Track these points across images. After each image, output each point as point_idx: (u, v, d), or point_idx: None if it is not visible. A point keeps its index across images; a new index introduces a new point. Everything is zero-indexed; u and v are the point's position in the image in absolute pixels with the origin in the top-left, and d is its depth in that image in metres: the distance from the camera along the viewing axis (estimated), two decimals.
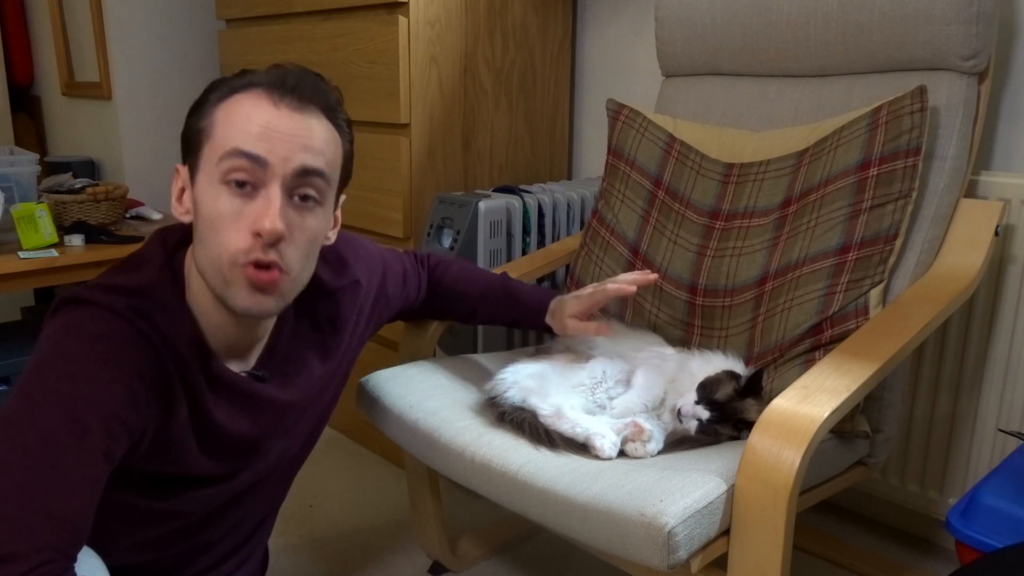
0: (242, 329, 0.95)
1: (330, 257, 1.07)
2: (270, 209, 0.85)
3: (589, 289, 1.23)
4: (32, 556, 0.70)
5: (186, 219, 0.92)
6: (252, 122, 0.86)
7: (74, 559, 0.75)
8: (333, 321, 1.08)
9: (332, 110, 0.92)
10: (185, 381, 0.90)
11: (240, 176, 0.85)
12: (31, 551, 0.71)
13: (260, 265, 0.86)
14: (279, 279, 0.88)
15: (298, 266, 0.90)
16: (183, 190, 0.93)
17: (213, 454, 0.96)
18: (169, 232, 0.97)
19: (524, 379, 1.19)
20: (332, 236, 0.99)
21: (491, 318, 1.33)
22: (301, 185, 0.88)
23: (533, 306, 1.28)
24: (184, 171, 0.92)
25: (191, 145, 0.91)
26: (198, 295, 0.92)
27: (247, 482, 1.04)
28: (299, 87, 0.89)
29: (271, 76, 0.90)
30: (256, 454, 1.02)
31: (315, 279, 1.00)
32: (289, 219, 0.87)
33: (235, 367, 0.96)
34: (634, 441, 1.08)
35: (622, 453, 1.08)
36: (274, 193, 0.85)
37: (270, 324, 1.00)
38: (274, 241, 0.85)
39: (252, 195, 0.86)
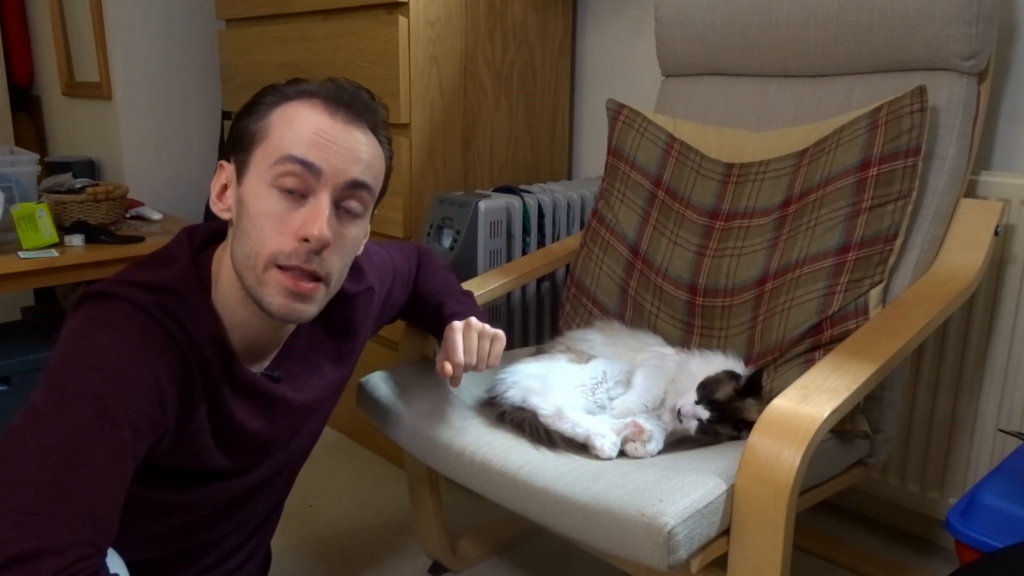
0: (266, 330, 0.96)
1: (354, 263, 1.08)
2: (320, 216, 0.87)
3: (444, 352, 1.14)
4: (72, 551, 0.70)
5: (226, 216, 0.93)
6: (308, 129, 0.88)
7: (105, 555, 0.75)
8: (348, 327, 1.09)
9: (379, 127, 0.95)
10: (206, 379, 0.90)
11: (291, 183, 0.87)
12: (71, 545, 0.70)
13: (302, 273, 0.88)
14: (317, 288, 0.90)
15: (337, 275, 0.93)
16: (225, 187, 0.94)
17: (228, 450, 0.96)
18: (196, 230, 0.98)
19: (524, 379, 1.19)
20: (362, 247, 1.01)
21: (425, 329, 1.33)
22: (348, 197, 0.91)
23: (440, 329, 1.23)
24: (229, 168, 0.94)
25: (241, 144, 0.91)
26: (225, 294, 0.93)
27: (257, 479, 1.04)
28: (353, 102, 0.91)
29: (327, 88, 0.92)
30: (269, 452, 1.03)
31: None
32: (334, 228, 0.89)
33: (251, 368, 0.97)
34: (634, 441, 1.08)
35: (622, 453, 1.08)
36: (324, 201, 0.88)
37: (292, 327, 1.01)
38: (320, 248, 0.87)
39: (301, 201, 0.88)
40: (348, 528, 1.70)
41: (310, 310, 0.91)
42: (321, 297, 0.92)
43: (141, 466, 0.85)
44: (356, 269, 1.10)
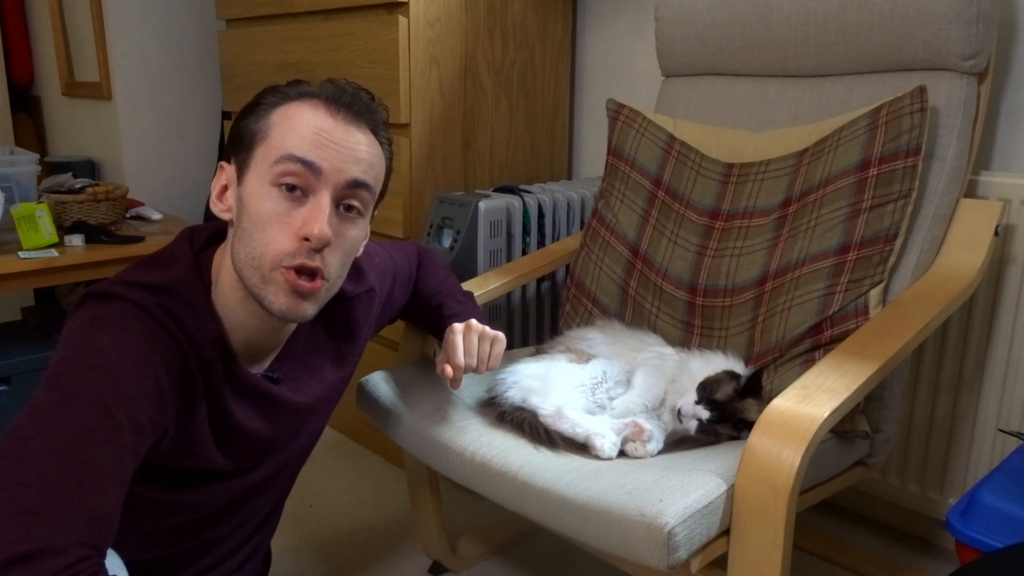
0: (266, 331, 0.96)
1: (354, 264, 1.09)
2: (320, 215, 0.87)
3: (444, 353, 1.13)
4: (73, 551, 0.70)
5: (226, 216, 0.93)
6: (309, 128, 0.88)
7: (105, 556, 0.75)
8: (348, 328, 1.09)
9: (379, 128, 0.95)
10: (207, 380, 0.91)
11: (292, 180, 0.87)
12: (72, 545, 0.71)
13: (303, 271, 0.89)
14: (320, 287, 0.91)
15: (336, 273, 0.93)
16: (226, 187, 0.94)
17: (228, 451, 0.96)
18: (197, 231, 0.98)
19: (524, 379, 1.19)
20: (361, 249, 1.01)
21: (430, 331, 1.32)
22: (348, 196, 0.91)
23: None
24: (229, 169, 0.94)
25: (241, 145, 0.92)
26: (225, 295, 0.93)
27: (258, 479, 1.05)
28: (354, 103, 0.92)
29: (327, 89, 0.92)
30: (270, 452, 1.03)
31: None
32: (334, 227, 0.89)
33: (251, 369, 0.98)
34: (634, 441, 1.08)
35: (622, 453, 1.08)
36: (324, 201, 0.88)
37: (292, 327, 1.01)
38: (321, 247, 0.88)
39: (301, 200, 0.88)
40: (348, 528, 1.70)
41: (311, 309, 0.92)
42: (321, 295, 0.92)
43: (142, 466, 0.85)
44: (357, 270, 1.10)
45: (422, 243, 1.70)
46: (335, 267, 0.92)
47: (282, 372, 1.01)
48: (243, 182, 0.91)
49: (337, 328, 1.08)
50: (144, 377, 0.82)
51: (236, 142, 0.93)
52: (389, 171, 1.00)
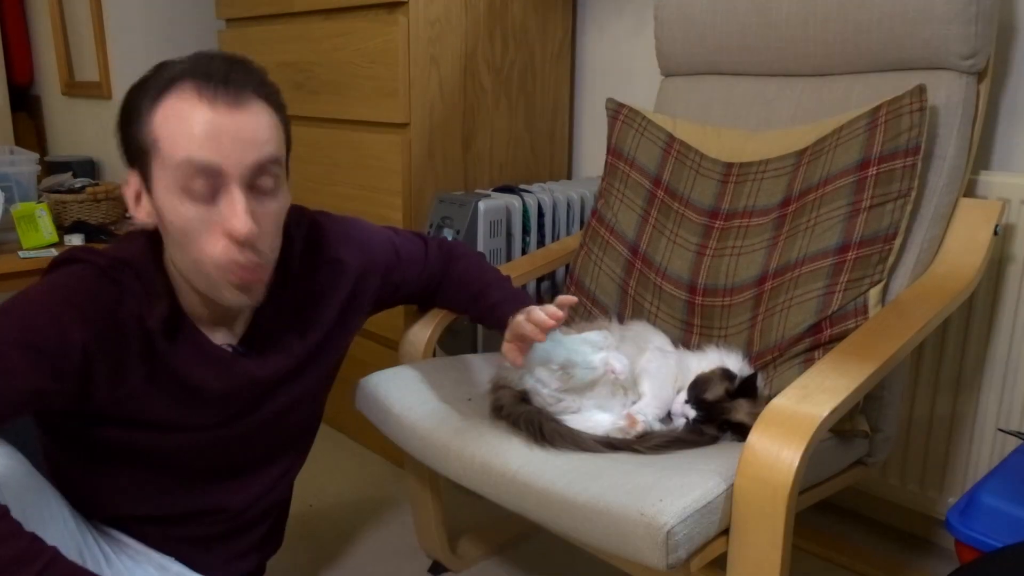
0: (218, 306, 0.99)
1: (313, 236, 1.11)
2: (238, 212, 0.87)
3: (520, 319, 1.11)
4: None
5: (149, 222, 0.94)
6: (195, 129, 0.85)
7: None
8: (311, 296, 1.11)
9: (264, 87, 0.91)
10: (149, 345, 0.94)
11: (198, 186, 0.87)
12: None
13: (244, 268, 0.91)
14: (262, 274, 0.94)
15: (271, 251, 0.95)
16: (139, 195, 0.94)
17: (185, 405, 1.00)
18: None
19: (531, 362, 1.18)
20: (285, 211, 1.00)
21: (474, 320, 1.35)
22: (259, 177, 0.90)
23: (499, 321, 1.23)
24: (135, 178, 0.93)
25: (136, 155, 0.91)
26: (177, 276, 0.97)
27: (234, 434, 1.07)
28: (229, 78, 0.87)
29: (196, 68, 0.87)
30: (235, 410, 1.05)
31: (292, 257, 1.06)
32: (255, 213, 0.89)
33: (222, 336, 1.02)
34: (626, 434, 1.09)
35: (614, 446, 1.08)
36: (236, 195, 0.88)
37: None
38: (248, 241, 0.89)
39: (215, 198, 0.88)
40: (348, 528, 1.70)
41: (259, 292, 0.96)
42: (265, 277, 0.96)
43: (112, 412, 0.94)
44: (323, 241, 1.12)
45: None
46: (268, 247, 0.94)
47: (251, 346, 1.04)
48: (153, 193, 0.91)
49: (301, 297, 1.10)
50: (54, 321, 0.87)
51: (130, 152, 0.92)
52: (287, 123, 0.96)
